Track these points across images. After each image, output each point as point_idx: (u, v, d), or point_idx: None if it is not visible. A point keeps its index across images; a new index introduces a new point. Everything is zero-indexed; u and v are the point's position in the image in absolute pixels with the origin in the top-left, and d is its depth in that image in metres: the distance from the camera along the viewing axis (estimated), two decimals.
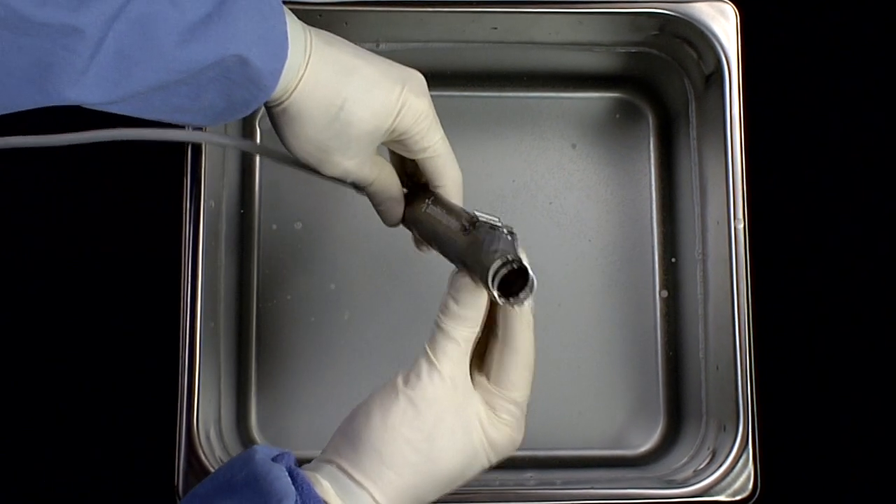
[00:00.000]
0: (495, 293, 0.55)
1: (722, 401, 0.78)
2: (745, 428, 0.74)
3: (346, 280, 0.84)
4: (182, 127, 0.70)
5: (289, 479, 0.52)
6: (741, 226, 0.76)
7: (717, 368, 0.79)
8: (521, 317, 0.59)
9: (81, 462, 0.86)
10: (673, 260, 0.86)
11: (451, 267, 0.61)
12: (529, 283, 0.55)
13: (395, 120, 0.62)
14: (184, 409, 0.73)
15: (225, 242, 0.80)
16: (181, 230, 0.75)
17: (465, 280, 0.58)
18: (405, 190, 0.68)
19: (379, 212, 0.68)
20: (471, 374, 0.59)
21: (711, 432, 0.79)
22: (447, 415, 0.56)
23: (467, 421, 0.57)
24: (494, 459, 0.59)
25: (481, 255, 0.56)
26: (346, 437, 0.56)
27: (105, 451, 0.86)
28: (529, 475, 0.80)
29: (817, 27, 0.93)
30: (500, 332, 0.59)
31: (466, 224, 0.60)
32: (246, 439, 0.83)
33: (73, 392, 0.87)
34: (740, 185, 0.77)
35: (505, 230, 0.58)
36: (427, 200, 0.66)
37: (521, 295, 0.55)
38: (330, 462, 0.56)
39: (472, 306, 0.58)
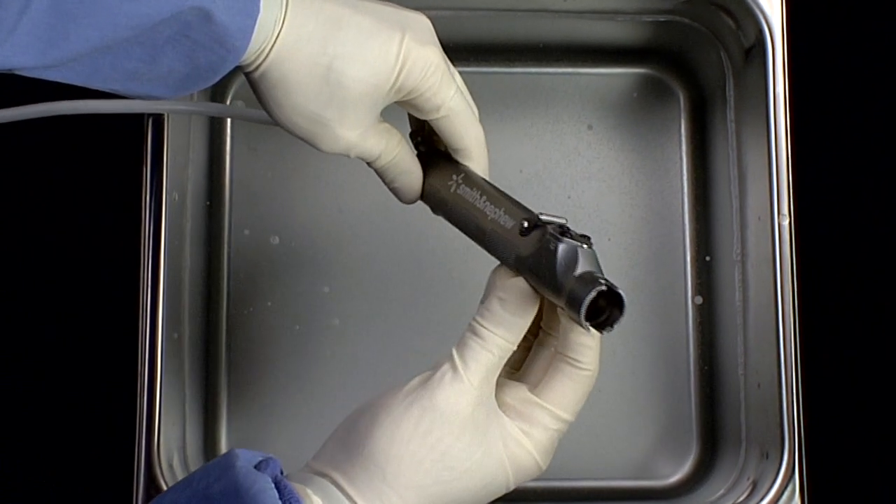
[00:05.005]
0: (587, 324, 0.53)
1: (764, 424, 0.76)
2: (790, 455, 0.73)
3: (339, 282, 0.82)
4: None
5: (275, 491, 0.50)
6: (786, 222, 0.75)
7: (759, 386, 0.77)
8: (592, 335, 0.56)
9: (30, 495, 0.85)
10: (707, 259, 0.84)
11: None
12: (621, 310, 0.53)
13: (398, 77, 0.58)
14: (143, 433, 0.71)
15: (190, 241, 0.79)
16: (140, 227, 0.73)
17: (520, 283, 0.55)
18: (422, 149, 0.65)
19: (392, 189, 0.65)
20: (502, 380, 0.57)
21: (752, 460, 0.77)
22: (466, 433, 0.54)
23: (489, 440, 0.54)
24: (513, 484, 0.56)
25: (557, 271, 0.54)
26: (345, 447, 0.54)
27: (56, 480, 0.86)
28: None
29: None
30: (561, 347, 0.56)
31: (524, 224, 0.57)
32: None
33: (17, 412, 0.86)
34: (785, 175, 0.75)
35: (579, 240, 0.55)
36: (455, 177, 0.63)
37: (614, 323, 0.53)
38: (323, 475, 0.53)
39: (523, 314, 0.55)
